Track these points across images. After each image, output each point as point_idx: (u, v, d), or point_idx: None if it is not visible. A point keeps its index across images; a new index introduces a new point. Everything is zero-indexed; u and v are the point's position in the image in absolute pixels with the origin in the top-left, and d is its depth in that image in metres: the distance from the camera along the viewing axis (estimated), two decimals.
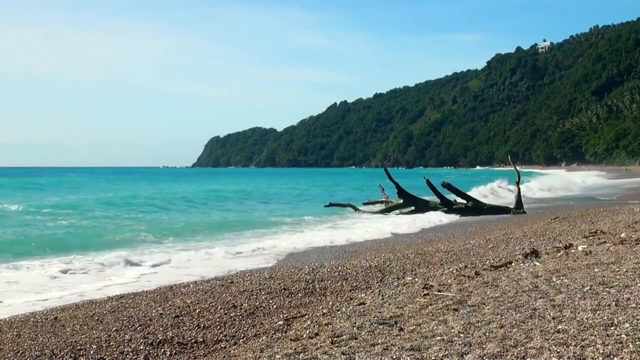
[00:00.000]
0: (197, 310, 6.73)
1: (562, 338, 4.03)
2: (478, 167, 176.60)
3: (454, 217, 20.63)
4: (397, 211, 22.51)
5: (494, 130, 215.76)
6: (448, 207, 21.95)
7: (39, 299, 8.22)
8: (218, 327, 6.10)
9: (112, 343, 5.64)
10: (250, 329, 6.01)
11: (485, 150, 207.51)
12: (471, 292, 5.96)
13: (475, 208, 21.85)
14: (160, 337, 5.75)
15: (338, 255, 11.40)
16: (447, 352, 4.00)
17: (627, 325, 4.16)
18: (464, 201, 22.28)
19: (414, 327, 4.77)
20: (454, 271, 7.62)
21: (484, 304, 5.31)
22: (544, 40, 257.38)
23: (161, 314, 6.63)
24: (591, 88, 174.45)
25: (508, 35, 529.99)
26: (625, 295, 4.98)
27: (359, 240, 14.77)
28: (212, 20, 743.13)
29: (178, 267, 11.05)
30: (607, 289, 5.29)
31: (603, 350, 3.73)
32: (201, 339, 5.72)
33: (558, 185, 40.67)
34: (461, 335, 4.37)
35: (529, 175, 52.11)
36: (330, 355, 4.25)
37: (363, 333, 4.76)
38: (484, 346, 4.04)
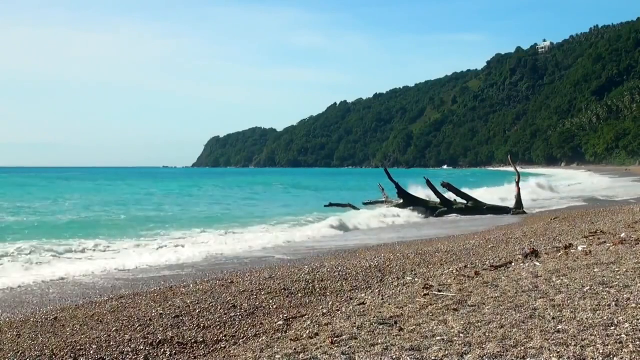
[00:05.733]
0: (197, 310, 6.73)
1: (562, 338, 4.03)
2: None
3: None
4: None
5: (494, 130, 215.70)
6: (448, 207, 21.94)
7: None
8: (218, 327, 6.10)
9: (112, 343, 5.64)
10: (250, 329, 6.00)
11: (485, 150, 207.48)
12: (471, 292, 5.96)
13: (475, 208, 21.84)
14: (160, 337, 5.75)
15: (338, 255, 11.40)
16: (447, 352, 4.00)
17: (627, 325, 4.16)
18: (464, 201, 22.29)
19: (414, 327, 4.77)
20: (454, 271, 7.62)
21: (484, 304, 5.31)
22: (544, 40, 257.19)
23: (161, 314, 6.63)
24: (591, 88, 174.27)
25: (508, 35, 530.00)
26: (625, 295, 4.98)
27: None
28: (212, 20, 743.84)
29: None
30: (607, 289, 5.29)
31: (603, 350, 3.73)
32: (201, 339, 5.72)
33: None
34: (461, 335, 4.37)
35: None
36: (330, 355, 4.25)
37: (363, 333, 4.76)
38: (484, 346, 4.04)
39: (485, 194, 27.19)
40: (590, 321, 4.34)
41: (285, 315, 6.38)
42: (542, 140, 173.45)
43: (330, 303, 6.73)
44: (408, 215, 21.36)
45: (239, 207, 30.06)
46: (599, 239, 9.39)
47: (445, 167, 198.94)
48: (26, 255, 12.12)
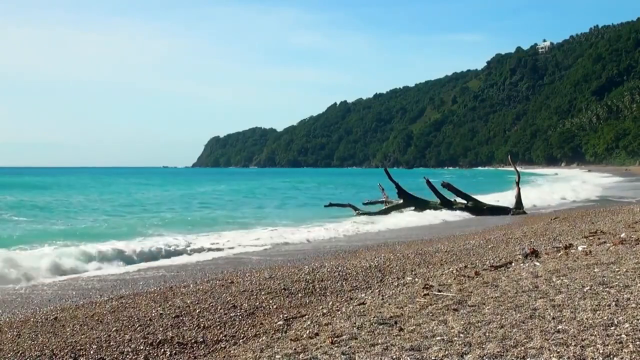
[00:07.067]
0: (197, 310, 6.73)
1: (562, 338, 4.03)
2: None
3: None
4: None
5: (494, 130, 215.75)
6: (448, 207, 21.95)
7: None
8: (218, 327, 6.10)
9: (112, 343, 5.64)
10: (250, 329, 6.00)
11: (485, 150, 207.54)
12: (471, 292, 5.96)
13: (475, 208, 21.85)
14: (160, 337, 5.75)
15: (338, 255, 11.40)
16: (447, 352, 4.00)
17: (627, 325, 4.16)
18: (464, 201, 22.29)
19: (414, 327, 4.77)
20: (454, 271, 7.62)
21: (484, 304, 5.31)
22: (544, 40, 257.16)
23: (161, 314, 6.63)
24: (591, 88, 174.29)
25: (508, 35, 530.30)
26: (625, 295, 4.98)
27: None
28: (212, 20, 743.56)
29: None
30: (607, 289, 5.29)
31: (603, 350, 3.73)
32: (201, 339, 5.71)
33: None
34: (461, 335, 4.37)
35: None
36: (330, 355, 4.24)
37: (363, 333, 4.76)
38: (484, 346, 4.04)
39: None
40: (590, 321, 4.34)
41: (285, 315, 6.38)
42: (542, 140, 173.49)
43: (330, 303, 6.73)
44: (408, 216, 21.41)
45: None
46: (599, 239, 9.39)
47: (451, 167, 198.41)
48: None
